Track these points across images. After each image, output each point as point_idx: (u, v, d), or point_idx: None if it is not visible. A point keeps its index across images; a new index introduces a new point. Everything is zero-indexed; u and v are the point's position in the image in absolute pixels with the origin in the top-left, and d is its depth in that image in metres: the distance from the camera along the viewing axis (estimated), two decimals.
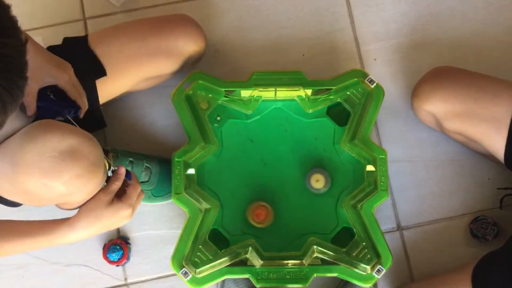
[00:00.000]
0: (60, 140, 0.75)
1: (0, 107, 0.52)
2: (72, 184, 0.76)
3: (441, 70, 1.06)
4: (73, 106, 0.88)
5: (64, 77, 0.86)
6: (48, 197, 0.78)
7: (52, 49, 0.96)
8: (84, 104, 0.90)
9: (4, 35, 0.52)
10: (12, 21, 0.54)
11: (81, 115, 0.90)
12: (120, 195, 0.85)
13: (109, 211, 0.83)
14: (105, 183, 0.84)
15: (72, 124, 0.83)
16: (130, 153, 1.10)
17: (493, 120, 0.96)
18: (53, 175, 0.74)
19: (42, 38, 1.19)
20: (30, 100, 0.82)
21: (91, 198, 0.83)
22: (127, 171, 0.86)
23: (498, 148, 0.98)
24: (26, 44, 0.55)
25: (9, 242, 0.82)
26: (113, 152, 1.08)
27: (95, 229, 0.83)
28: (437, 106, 1.02)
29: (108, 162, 0.86)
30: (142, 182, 1.08)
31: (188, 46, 1.05)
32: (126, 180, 0.87)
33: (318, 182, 1.10)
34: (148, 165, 1.08)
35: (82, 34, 1.18)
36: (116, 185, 0.84)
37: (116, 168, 0.85)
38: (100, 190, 0.83)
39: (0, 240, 0.82)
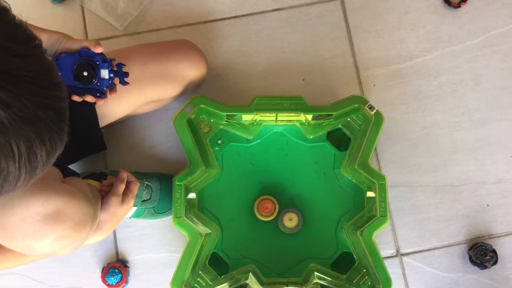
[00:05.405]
0: (43, 203, 0.75)
1: (53, 153, 0.55)
2: (57, 244, 0.76)
3: None
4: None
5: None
6: (33, 255, 0.79)
7: None
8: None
9: (59, 89, 0.54)
10: (59, 76, 0.57)
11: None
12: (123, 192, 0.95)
13: (123, 209, 0.93)
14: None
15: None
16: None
17: None
18: (36, 238, 0.75)
19: None
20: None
21: (106, 203, 0.91)
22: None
23: None
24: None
25: None
26: (112, 175, 1.07)
27: (115, 226, 0.95)
28: None
29: None
30: (143, 200, 1.07)
31: (189, 71, 1.05)
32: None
33: (291, 221, 1.11)
34: (148, 183, 1.08)
35: None
36: (122, 187, 0.94)
37: None
38: (111, 194, 0.91)
39: None
